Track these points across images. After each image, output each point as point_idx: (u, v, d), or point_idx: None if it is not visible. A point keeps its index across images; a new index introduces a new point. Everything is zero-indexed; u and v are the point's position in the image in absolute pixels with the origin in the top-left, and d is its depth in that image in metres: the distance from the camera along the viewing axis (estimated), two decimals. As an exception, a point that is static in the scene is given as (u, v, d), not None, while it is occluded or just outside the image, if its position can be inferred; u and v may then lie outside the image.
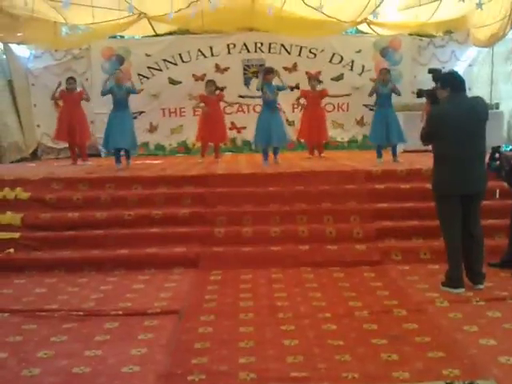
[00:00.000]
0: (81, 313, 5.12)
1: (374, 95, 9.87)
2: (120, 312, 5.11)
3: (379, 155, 9.70)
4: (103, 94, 10.01)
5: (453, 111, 5.26)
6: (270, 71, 9.76)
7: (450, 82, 5.40)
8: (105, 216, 7.28)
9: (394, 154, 9.71)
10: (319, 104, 11.03)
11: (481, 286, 5.43)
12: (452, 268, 5.42)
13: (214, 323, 4.79)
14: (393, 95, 9.66)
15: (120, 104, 9.84)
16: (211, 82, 10.78)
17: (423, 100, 8.11)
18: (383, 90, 9.68)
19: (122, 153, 10.01)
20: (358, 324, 4.67)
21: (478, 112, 5.39)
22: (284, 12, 10.88)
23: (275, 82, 9.70)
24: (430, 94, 5.59)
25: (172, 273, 6.39)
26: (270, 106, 9.72)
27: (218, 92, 10.79)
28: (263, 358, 4.05)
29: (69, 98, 10.84)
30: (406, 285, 5.74)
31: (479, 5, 10.33)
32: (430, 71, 6.01)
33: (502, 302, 5.12)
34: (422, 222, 6.92)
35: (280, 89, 9.71)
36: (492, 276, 5.73)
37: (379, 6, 10.99)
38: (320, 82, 11.34)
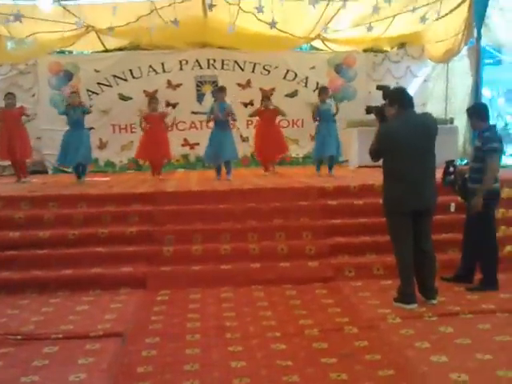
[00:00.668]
0: (19, 337, 4.89)
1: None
2: (60, 335, 4.90)
3: (317, 168, 10.36)
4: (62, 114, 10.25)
5: (401, 128, 5.23)
6: (220, 90, 10.16)
7: (398, 99, 5.38)
8: (48, 235, 7.00)
9: (330, 167, 10.20)
10: (274, 121, 10.89)
11: (434, 301, 5.38)
12: (404, 284, 5.35)
13: (159, 345, 4.61)
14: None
15: (76, 124, 10.01)
16: (154, 100, 10.62)
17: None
18: (323, 107, 10.18)
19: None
20: (307, 343, 4.54)
21: (427, 128, 5.37)
22: (237, 27, 10.78)
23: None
24: (379, 111, 5.52)
25: (118, 293, 6.17)
26: (221, 124, 9.91)
27: (169, 109, 10.94)
28: (208, 381, 3.90)
29: (8, 115, 10.37)
30: (359, 301, 5.65)
31: (423, 19, 10.54)
32: (379, 88, 5.97)
33: (454, 317, 5.07)
34: (375, 238, 6.85)
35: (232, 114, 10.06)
36: (445, 291, 5.69)
37: (331, 21, 11.00)
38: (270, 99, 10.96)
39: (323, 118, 10.20)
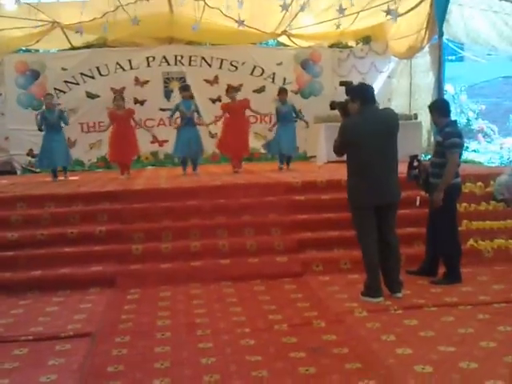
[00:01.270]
0: (-13, 340, 4.83)
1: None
2: (30, 337, 4.87)
3: (281, 162, 10.80)
4: (40, 127, 10.10)
5: (364, 123, 5.30)
6: (185, 89, 10.49)
7: (360, 94, 5.45)
8: (16, 236, 6.94)
9: (288, 163, 10.80)
10: (242, 115, 10.61)
11: (399, 295, 5.48)
12: (370, 277, 5.45)
13: (129, 344, 4.62)
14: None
15: (53, 127, 10.13)
16: (119, 97, 10.40)
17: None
18: (282, 108, 10.59)
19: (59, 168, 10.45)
20: (277, 338, 4.61)
21: (389, 123, 5.46)
22: (203, 23, 10.79)
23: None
24: (342, 107, 5.61)
25: (88, 293, 6.16)
26: (188, 120, 10.17)
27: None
28: (179, 378, 3.93)
29: None
30: (327, 296, 5.74)
31: (394, 18, 10.65)
32: (342, 84, 6.03)
33: (419, 309, 5.18)
34: (342, 233, 6.92)
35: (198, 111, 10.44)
36: (410, 284, 5.80)
37: (295, 17, 11.06)
38: (237, 91, 10.95)
39: (282, 118, 10.61)
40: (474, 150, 13.95)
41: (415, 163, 6.10)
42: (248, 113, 10.86)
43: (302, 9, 10.69)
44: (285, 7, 10.25)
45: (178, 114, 10.36)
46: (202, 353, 4.35)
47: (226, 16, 10.97)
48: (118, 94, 10.71)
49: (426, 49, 11.80)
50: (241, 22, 10.70)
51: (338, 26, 11.65)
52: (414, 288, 5.76)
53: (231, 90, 10.54)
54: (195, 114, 10.33)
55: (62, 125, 10.37)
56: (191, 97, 10.57)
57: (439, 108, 6.12)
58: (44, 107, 10.30)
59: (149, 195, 7.79)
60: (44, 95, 10.74)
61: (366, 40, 13.35)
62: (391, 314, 5.07)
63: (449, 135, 5.80)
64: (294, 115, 10.83)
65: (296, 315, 5.15)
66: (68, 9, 10.63)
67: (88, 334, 4.89)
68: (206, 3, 10.59)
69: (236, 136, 10.38)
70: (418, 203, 6.63)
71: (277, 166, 10.80)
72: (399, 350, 4.19)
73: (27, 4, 10.06)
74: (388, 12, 10.47)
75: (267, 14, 11.67)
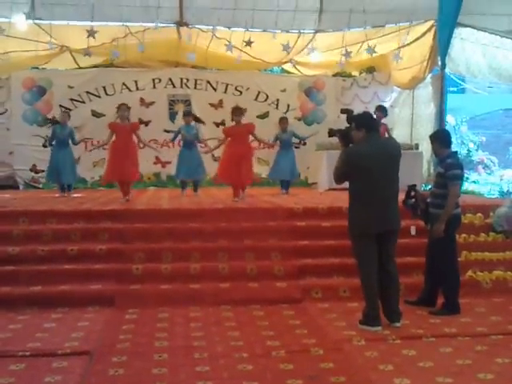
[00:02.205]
0: (-16, 354, 4.81)
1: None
2: (27, 353, 4.85)
3: (282, 187, 11.15)
4: (48, 142, 10.46)
5: (367, 151, 5.35)
6: (186, 114, 10.83)
7: (366, 122, 5.52)
8: (17, 251, 6.95)
9: (287, 187, 11.09)
10: (246, 140, 9.92)
11: (397, 324, 5.48)
12: (369, 306, 5.46)
13: (126, 364, 4.60)
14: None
15: (62, 142, 10.39)
16: (124, 106, 9.58)
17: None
18: (283, 136, 11.15)
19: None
20: (274, 364, 4.59)
21: (393, 152, 5.53)
22: (210, 50, 10.95)
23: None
24: (344, 134, 5.64)
25: (86, 311, 6.15)
26: (189, 144, 10.51)
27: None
28: (175, 401, 3.92)
29: None
30: (325, 323, 5.73)
31: (397, 57, 10.86)
32: (343, 111, 6.11)
33: (417, 340, 5.17)
34: (342, 260, 6.93)
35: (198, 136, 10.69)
36: (409, 313, 5.79)
37: (302, 50, 11.19)
38: (243, 113, 10.24)
39: (283, 145, 11.19)
40: (474, 181, 13.99)
41: (412, 193, 6.15)
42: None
43: (309, 52, 10.87)
44: (286, 48, 10.50)
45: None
46: (198, 376, 4.33)
47: (233, 47, 11.06)
48: (123, 104, 9.83)
49: (428, 79, 11.95)
50: (239, 58, 10.84)
51: (347, 56, 11.73)
52: (413, 318, 5.76)
53: (237, 111, 9.90)
54: (197, 138, 10.62)
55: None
56: (197, 119, 10.67)
57: (441, 138, 6.17)
58: (57, 122, 10.52)
59: (150, 216, 7.83)
60: (61, 113, 11.00)
61: (370, 70, 13.50)
62: (389, 344, 5.06)
63: (450, 167, 5.85)
64: (296, 140, 11.31)
65: (294, 342, 5.13)
66: (77, 32, 10.74)
67: (85, 352, 4.87)
68: (214, 34, 10.75)
69: (239, 163, 9.52)
70: (413, 232, 6.64)
71: (277, 191, 10.85)
72: (397, 380, 4.18)
73: (37, 25, 10.18)
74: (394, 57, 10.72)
75: (271, 50, 11.78)
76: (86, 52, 10.62)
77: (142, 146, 10.31)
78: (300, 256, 7.20)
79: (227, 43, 10.54)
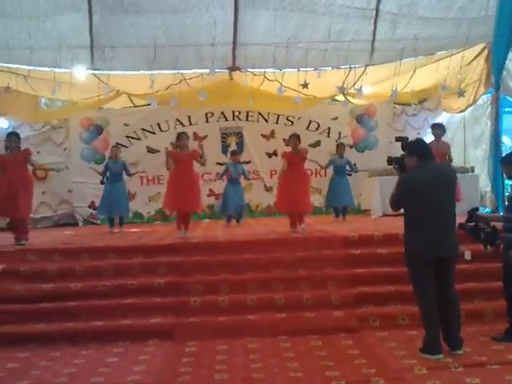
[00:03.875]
0: (52, 389, 4.95)
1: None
2: (93, 388, 4.96)
3: (336, 215, 11.49)
4: (103, 177, 10.84)
5: (422, 177, 5.34)
6: (234, 153, 11.63)
7: (416, 150, 5.52)
8: (79, 287, 7.14)
9: (343, 214, 11.38)
10: (302, 167, 9.57)
11: (459, 352, 5.37)
12: (429, 334, 5.37)
13: (188, 397, 4.66)
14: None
15: (115, 177, 10.74)
16: (184, 135, 9.31)
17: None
18: (339, 162, 11.53)
19: (117, 220, 10.87)
20: (334, 395, 4.57)
21: (447, 178, 5.50)
22: (262, 90, 11.09)
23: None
24: (398, 162, 5.66)
25: (147, 345, 6.23)
26: (234, 180, 11.38)
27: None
28: (237, 433, 3.94)
29: (9, 161, 8.73)
30: (385, 352, 5.66)
31: (445, 88, 10.78)
32: (398, 139, 6.11)
33: (481, 367, 5.06)
34: (399, 287, 6.83)
35: (244, 174, 11.62)
36: (470, 340, 5.66)
37: (355, 84, 11.18)
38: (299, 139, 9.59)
39: (338, 171, 11.53)
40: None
41: (473, 217, 6.01)
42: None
43: (359, 92, 10.91)
44: (341, 90, 10.63)
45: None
46: (260, 407, 4.36)
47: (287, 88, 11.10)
48: (183, 132, 9.69)
49: (480, 101, 11.75)
50: (297, 100, 10.90)
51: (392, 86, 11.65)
52: (475, 345, 5.64)
53: (293, 137, 9.47)
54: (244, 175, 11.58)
55: (125, 176, 10.78)
56: (240, 161, 11.62)
57: None
58: (109, 158, 11.05)
59: (207, 248, 7.95)
60: (112, 148, 11.37)
61: (421, 101, 13.33)
62: (452, 372, 4.97)
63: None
64: (348, 168, 11.46)
65: (354, 372, 5.09)
66: (133, 81, 11.05)
67: (148, 385, 4.95)
68: (265, 77, 10.90)
69: (297, 190, 9.20)
70: (468, 257, 6.41)
71: (330, 219, 10.84)
72: (461, 410, 4.11)
73: (95, 76, 10.59)
74: (459, 93, 11.00)
75: (324, 85, 11.79)
76: (151, 100, 10.93)
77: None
78: (356, 284, 7.15)
79: (279, 86, 10.62)
